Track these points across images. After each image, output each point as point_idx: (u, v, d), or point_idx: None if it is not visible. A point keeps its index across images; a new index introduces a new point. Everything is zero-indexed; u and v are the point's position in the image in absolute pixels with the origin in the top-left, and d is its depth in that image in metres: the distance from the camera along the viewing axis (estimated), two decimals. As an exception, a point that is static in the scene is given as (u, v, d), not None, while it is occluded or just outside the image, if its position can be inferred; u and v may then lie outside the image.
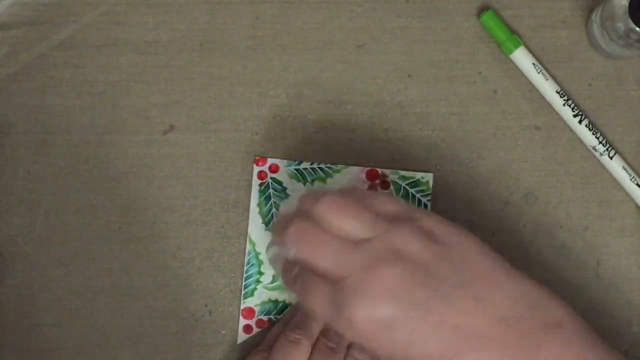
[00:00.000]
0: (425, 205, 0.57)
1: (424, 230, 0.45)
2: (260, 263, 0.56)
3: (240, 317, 0.56)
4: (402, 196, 0.57)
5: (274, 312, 0.56)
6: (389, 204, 0.47)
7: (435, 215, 0.47)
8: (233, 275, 0.57)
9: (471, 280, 0.43)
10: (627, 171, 0.56)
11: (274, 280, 0.56)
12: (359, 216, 0.45)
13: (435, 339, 0.43)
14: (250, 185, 0.57)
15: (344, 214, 0.46)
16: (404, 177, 0.57)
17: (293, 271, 0.47)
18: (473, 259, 0.45)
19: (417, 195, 0.57)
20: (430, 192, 0.57)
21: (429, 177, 0.57)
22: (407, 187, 0.57)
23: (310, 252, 0.45)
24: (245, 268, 0.57)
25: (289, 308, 0.56)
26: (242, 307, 0.56)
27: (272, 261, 0.51)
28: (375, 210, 0.46)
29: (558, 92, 0.57)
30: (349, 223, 0.45)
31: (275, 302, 0.56)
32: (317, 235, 0.45)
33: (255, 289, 0.56)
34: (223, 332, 0.57)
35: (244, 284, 0.56)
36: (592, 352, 0.44)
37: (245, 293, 0.56)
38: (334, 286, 0.44)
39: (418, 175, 0.57)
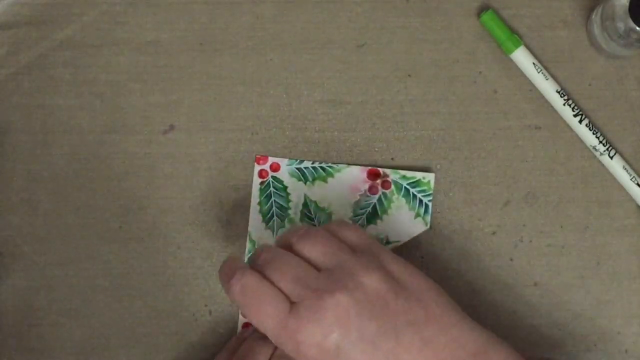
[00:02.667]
0: (427, 205, 0.57)
1: (384, 266, 0.46)
2: (260, 263, 0.56)
3: (240, 315, 0.56)
4: (403, 196, 0.57)
5: (273, 312, 0.56)
6: (353, 234, 0.48)
7: (395, 255, 0.48)
8: (233, 275, 0.57)
9: (423, 321, 0.44)
10: (627, 171, 0.56)
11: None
12: (324, 245, 0.47)
13: None
14: (250, 185, 0.57)
15: (311, 242, 0.47)
16: (405, 177, 0.57)
17: (240, 282, 0.46)
18: (427, 301, 0.45)
19: (419, 196, 0.57)
20: (431, 192, 0.57)
21: (430, 177, 0.57)
22: (408, 187, 0.57)
23: (254, 313, 0.46)
24: (245, 267, 0.57)
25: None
26: (241, 305, 0.56)
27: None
28: (340, 240, 0.47)
29: (558, 92, 0.56)
30: (314, 251, 0.46)
31: (275, 302, 0.56)
32: (262, 291, 0.45)
33: (255, 288, 0.56)
34: (223, 332, 0.57)
35: (243, 283, 0.56)
36: None
37: (245, 292, 0.56)
38: (289, 308, 0.45)
39: (419, 175, 0.57)
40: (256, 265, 0.47)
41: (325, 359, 0.44)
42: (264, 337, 0.52)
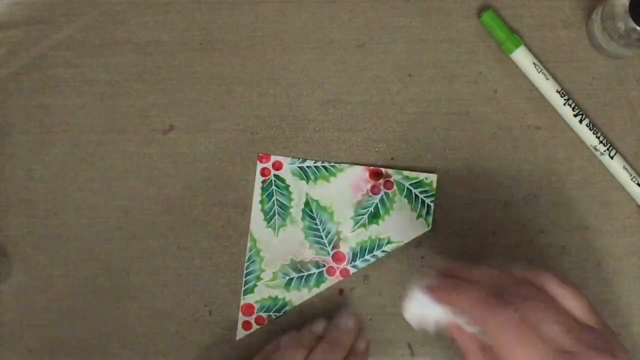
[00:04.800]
0: (429, 206, 0.57)
1: None
2: (261, 260, 0.56)
3: (240, 314, 0.56)
4: (405, 197, 0.57)
5: (273, 310, 0.56)
6: (585, 310, 0.45)
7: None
8: (233, 275, 0.57)
9: None
10: (627, 171, 0.56)
11: (274, 277, 0.56)
12: (564, 322, 0.43)
13: None
14: (250, 185, 0.57)
15: (551, 316, 0.43)
16: (407, 177, 0.57)
17: (511, 315, 0.42)
18: None
19: (421, 196, 0.57)
20: (434, 192, 0.57)
21: (432, 178, 0.57)
22: (410, 188, 0.57)
23: (516, 353, 0.42)
24: (245, 265, 0.57)
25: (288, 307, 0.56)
26: (241, 303, 0.56)
27: (416, 321, 0.47)
28: (574, 317, 0.44)
29: (558, 92, 0.56)
30: (554, 328, 0.43)
31: (275, 299, 0.56)
32: (528, 335, 0.42)
33: (255, 285, 0.56)
34: (223, 332, 0.57)
35: (244, 280, 0.56)
36: None
37: (246, 289, 0.56)
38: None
39: (422, 175, 0.57)
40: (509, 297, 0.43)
41: None
42: (295, 346, 0.51)
